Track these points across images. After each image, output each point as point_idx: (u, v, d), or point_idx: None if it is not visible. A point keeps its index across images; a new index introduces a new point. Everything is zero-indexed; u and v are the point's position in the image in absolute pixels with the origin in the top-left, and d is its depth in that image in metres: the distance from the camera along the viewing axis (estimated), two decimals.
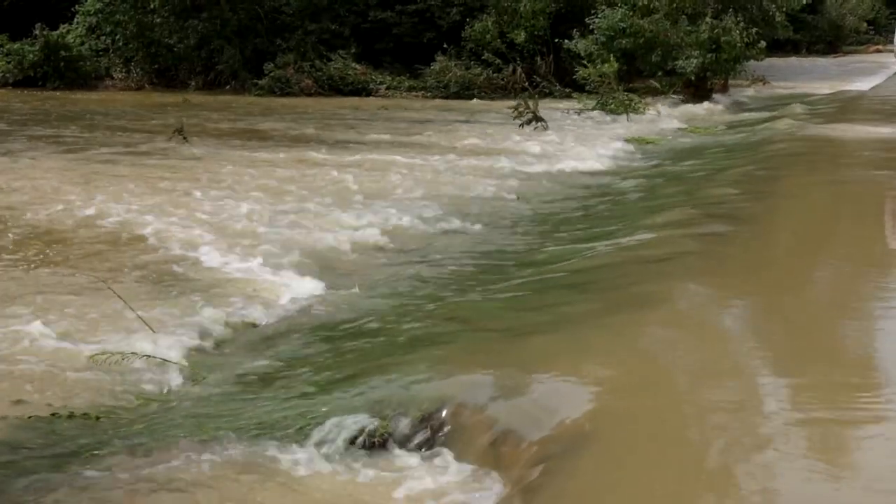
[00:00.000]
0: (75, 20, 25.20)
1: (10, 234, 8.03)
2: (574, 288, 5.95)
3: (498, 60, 23.26)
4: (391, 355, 4.76)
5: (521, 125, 16.25)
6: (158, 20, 24.68)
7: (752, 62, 23.61)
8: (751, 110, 20.75)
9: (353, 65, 24.26)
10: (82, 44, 24.93)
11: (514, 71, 23.42)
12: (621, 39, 21.46)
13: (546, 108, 17.21)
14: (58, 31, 24.48)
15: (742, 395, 3.88)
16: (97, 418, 4.28)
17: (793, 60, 36.88)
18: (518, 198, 10.01)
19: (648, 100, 20.07)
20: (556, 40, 22.68)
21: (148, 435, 3.99)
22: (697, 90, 22.29)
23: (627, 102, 19.14)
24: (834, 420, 3.61)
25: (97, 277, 6.34)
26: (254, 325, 5.77)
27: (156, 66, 25.10)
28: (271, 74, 23.71)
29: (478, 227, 8.62)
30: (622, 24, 21.50)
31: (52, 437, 4.06)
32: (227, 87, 24.29)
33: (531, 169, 12.07)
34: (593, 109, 19.11)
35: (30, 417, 4.26)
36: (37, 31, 24.08)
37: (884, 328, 4.91)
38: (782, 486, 3.16)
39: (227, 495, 3.43)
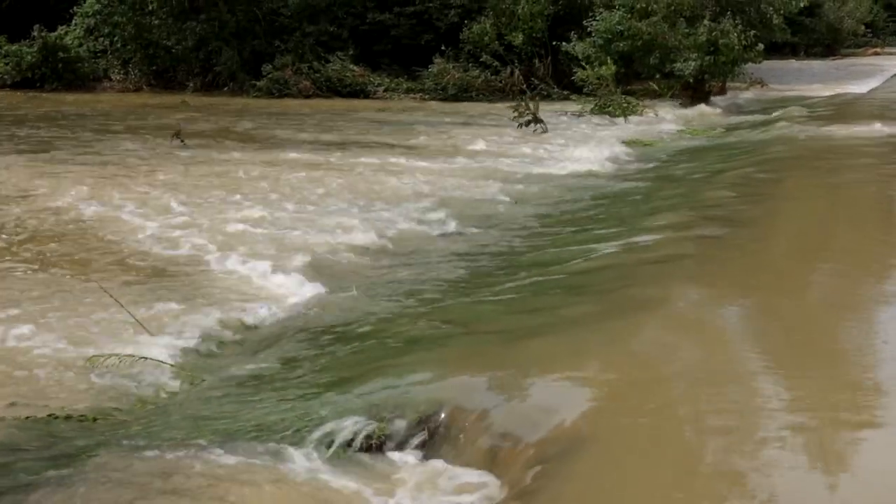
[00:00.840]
0: (73, 22, 25.14)
1: (2, 236, 8.02)
2: (572, 290, 5.96)
3: (496, 62, 23.23)
4: (388, 358, 4.76)
5: (521, 126, 16.25)
6: (156, 22, 24.65)
7: (749, 65, 23.62)
8: (749, 113, 20.75)
9: (352, 66, 24.23)
10: (80, 45, 24.87)
11: (512, 73, 23.37)
12: (619, 42, 21.46)
13: (544, 110, 17.22)
14: (56, 33, 24.43)
15: (739, 398, 3.87)
16: (94, 420, 4.28)
17: (791, 63, 36.97)
18: (516, 202, 10.00)
19: (646, 102, 20.07)
20: (554, 43, 22.67)
21: (145, 437, 3.98)
22: (695, 92, 22.28)
23: (625, 105, 19.16)
24: (832, 422, 3.61)
25: (93, 280, 6.34)
26: (251, 328, 5.77)
27: (154, 68, 25.04)
28: (269, 76, 23.67)
29: (476, 229, 8.62)
30: (620, 26, 21.50)
31: (48, 439, 4.05)
32: (226, 88, 24.25)
33: (529, 171, 12.08)
34: (591, 112, 19.12)
35: (27, 419, 4.26)
36: (35, 33, 24.03)
37: (882, 331, 4.91)
38: (780, 488, 3.16)
39: (224, 498, 3.42)
